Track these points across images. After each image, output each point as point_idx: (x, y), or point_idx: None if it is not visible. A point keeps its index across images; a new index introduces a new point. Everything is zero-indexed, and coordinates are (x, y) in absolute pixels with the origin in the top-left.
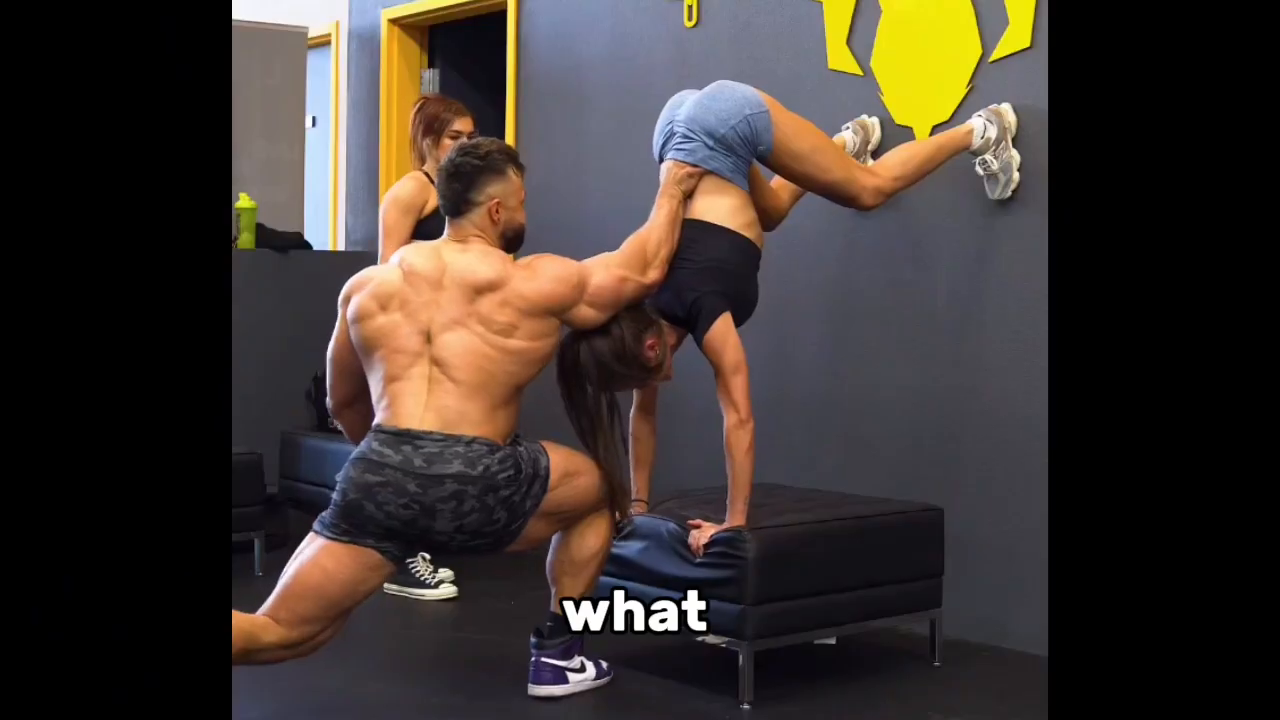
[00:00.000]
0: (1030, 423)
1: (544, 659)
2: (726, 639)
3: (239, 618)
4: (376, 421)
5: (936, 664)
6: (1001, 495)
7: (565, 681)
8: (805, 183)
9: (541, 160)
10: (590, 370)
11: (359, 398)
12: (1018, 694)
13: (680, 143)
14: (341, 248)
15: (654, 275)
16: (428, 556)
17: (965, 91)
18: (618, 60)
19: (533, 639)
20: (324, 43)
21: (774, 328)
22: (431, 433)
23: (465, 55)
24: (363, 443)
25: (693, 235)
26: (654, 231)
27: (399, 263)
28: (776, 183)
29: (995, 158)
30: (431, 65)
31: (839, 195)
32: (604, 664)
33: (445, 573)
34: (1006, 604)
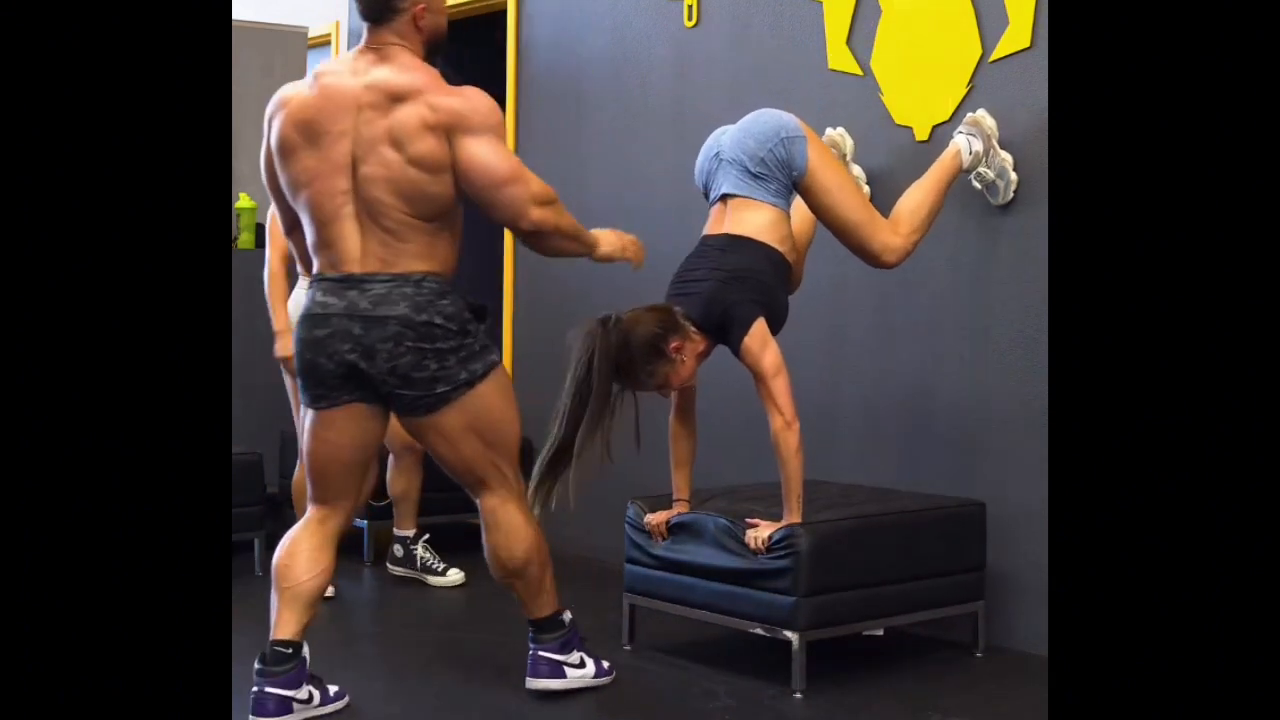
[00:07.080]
0: (1032, 421)
1: (541, 653)
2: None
3: (324, 547)
4: (316, 269)
5: (979, 654)
6: (1002, 495)
7: (562, 675)
8: (829, 216)
9: (542, 160)
10: (609, 356)
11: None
12: (1018, 694)
13: (725, 167)
14: None
15: (535, 213)
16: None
17: (965, 91)
18: (618, 60)
19: (530, 633)
20: (324, 43)
21: None
22: (377, 274)
23: (465, 55)
24: (305, 297)
25: (723, 246)
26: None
27: (316, 79)
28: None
29: (988, 167)
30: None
31: (860, 241)
32: (605, 664)
33: (456, 572)
34: (1007, 604)
